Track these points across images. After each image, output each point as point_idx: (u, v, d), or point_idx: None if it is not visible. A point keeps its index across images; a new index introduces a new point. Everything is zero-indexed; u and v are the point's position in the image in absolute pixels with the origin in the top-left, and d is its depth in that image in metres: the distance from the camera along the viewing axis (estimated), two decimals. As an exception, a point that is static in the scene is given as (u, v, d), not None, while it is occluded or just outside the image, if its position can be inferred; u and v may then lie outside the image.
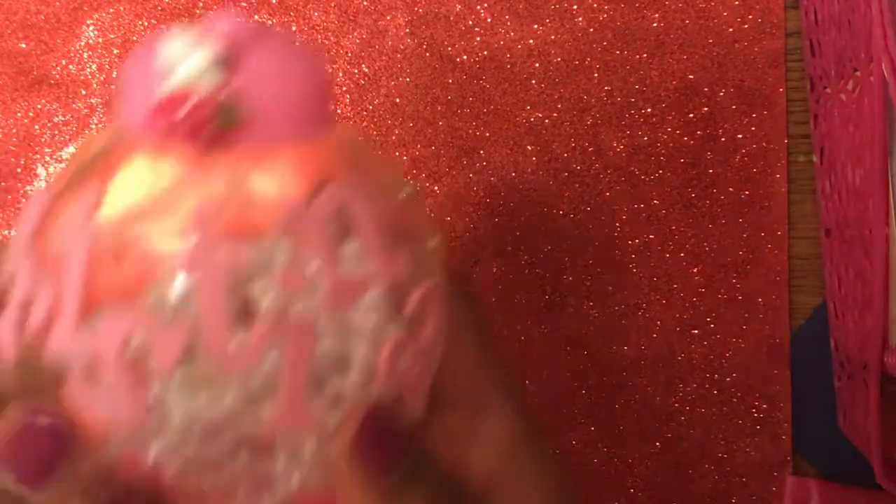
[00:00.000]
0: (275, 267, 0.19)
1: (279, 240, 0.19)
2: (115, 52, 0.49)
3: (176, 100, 0.19)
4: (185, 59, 0.19)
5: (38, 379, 0.20)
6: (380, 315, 0.20)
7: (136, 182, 0.19)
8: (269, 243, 0.19)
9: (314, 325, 0.19)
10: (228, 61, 0.19)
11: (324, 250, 0.19)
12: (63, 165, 0.49)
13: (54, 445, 0.19)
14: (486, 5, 0.46)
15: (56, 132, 0.50)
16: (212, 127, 0.19)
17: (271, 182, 0.19)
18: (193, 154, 0.19)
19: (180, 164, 0.19)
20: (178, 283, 0.18)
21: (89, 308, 0.19)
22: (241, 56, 0.19)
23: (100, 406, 0.19)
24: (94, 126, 0.49)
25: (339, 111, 0.48)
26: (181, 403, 0.19)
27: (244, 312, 0.19)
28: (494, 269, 0.47)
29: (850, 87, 0.38)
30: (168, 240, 0.19)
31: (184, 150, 0.19)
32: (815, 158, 0.44)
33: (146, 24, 0.49)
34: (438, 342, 0.22)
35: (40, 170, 0.50)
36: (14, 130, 0.50)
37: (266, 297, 0.19)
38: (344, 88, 0.48)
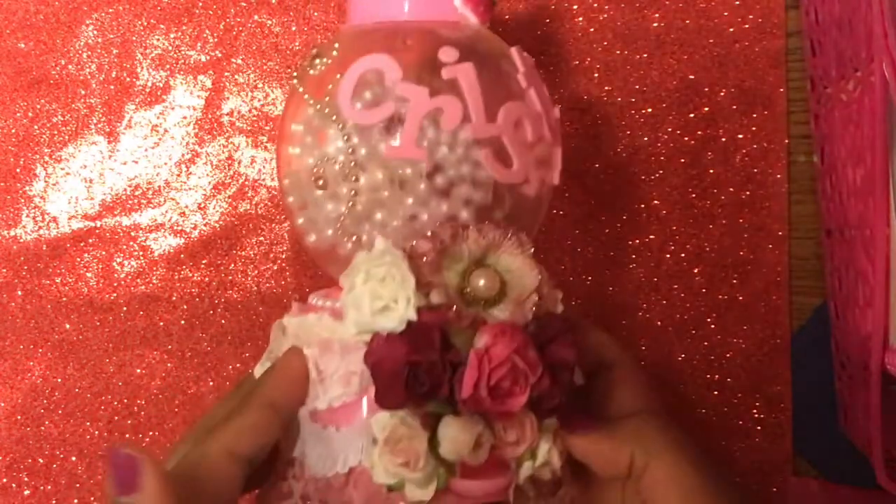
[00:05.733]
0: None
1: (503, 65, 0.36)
2: (115, 52, 0.49)
3: None
4: None
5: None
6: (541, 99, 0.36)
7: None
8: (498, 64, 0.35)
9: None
10: None
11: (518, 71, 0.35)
12: (61, 165, 0.50)
13: None
14: (486, 5, 0.46)
15: (55, 132, 0.50)
16: (490, 5, 0.36)
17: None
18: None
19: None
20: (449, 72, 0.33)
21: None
22: None
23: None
24: (93, 126, 0.49)
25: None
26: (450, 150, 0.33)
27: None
28: (494, 270, 0.47)
29: (850, 86, 0.38)
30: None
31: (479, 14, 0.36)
32: (815, 159, 0.44)
33: (145, 23, 0.49)
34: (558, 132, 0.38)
35: (39, 170, 0.50)
36: (13, 130, 0.50)
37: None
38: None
